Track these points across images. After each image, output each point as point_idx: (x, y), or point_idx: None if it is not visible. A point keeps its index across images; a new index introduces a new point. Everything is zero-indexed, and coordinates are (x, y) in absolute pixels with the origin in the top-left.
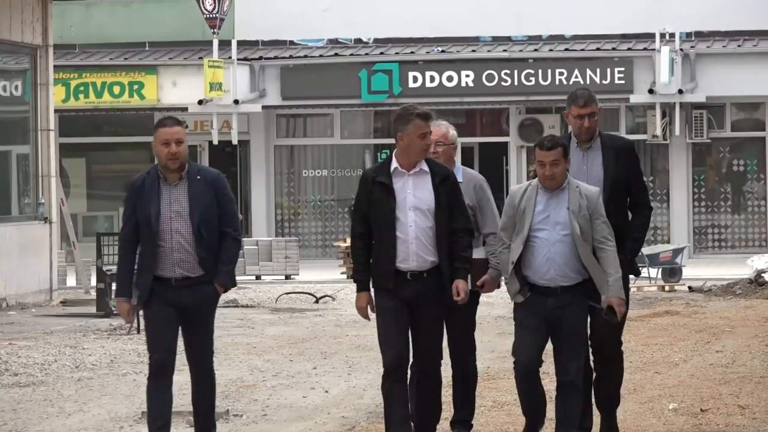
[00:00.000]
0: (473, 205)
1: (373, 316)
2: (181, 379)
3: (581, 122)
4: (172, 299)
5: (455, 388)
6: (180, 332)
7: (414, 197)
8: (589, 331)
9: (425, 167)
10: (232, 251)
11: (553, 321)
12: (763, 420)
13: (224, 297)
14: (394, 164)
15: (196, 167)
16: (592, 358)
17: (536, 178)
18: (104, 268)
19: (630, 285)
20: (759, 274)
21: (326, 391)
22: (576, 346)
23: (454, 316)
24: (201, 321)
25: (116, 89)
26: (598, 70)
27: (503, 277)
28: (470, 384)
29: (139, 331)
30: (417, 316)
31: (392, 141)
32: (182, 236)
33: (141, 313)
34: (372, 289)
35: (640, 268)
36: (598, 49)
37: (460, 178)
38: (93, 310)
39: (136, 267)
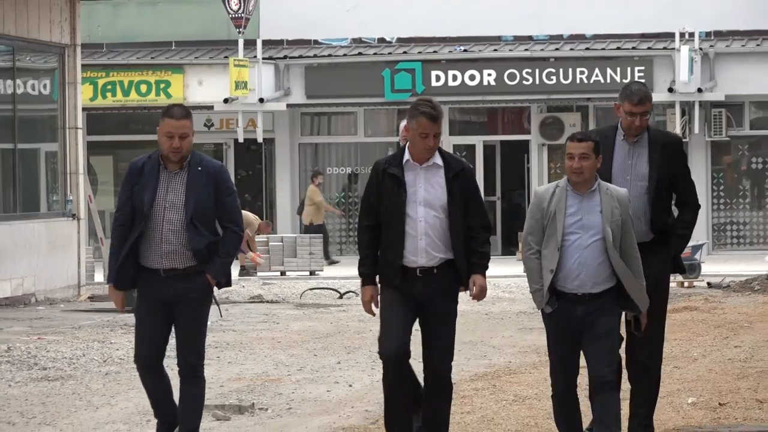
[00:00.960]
0: None
1: (377, 311)
2: (204, 372)
3: (633, 119)
4: (160, 292)
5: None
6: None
7: (425, 191)
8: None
9: (439, 161)
10: (232, 245)
11: (583, 328)
12: None
13: (249, 292)
14: (407, 156)
15: (199, 157)
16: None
17: (564, 178)
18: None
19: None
20: None
21: (350, 386)
22: (609, 347)
23: (432, 313)
24: (189, 315)
25: (143, 88)
26: (618, 69)
27: (530, 286)
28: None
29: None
30: (426, 315)
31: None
32: (173, 227)
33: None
34: (378, 285)
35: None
36: (618, 48)
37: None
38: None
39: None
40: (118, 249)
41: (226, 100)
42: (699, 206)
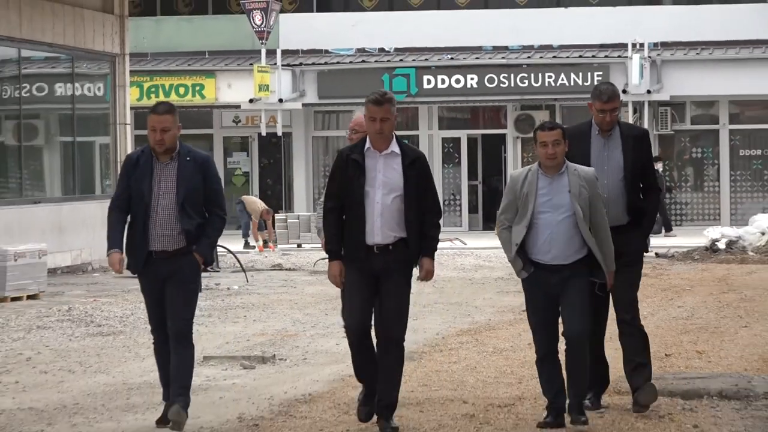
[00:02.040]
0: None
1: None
2: (231, 329)
3: (603, 116)
4: (157, 270)
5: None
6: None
7: (384, 176)
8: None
9: (396, 149)
10: (217, 227)
11: (557, 292)
12: (717, 363)
13: (270, 262)
14: (368, 145)
15: (186, 149)
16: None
17: (536, 163)
18: None
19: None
20: (713, 242)
21: None
22: (580, 308)
23: (387, 282)
24: (179, 288)
25: (181, 90)
26: (580, 73)
27: (507, 256)
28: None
29: (201, 290)
30: (382, 284)
31: (410, 132)
32: (167, 212)
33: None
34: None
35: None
36: (580, 56)
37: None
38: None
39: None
40: (116, 225)
41: (251, 100)
42: (661, 190)
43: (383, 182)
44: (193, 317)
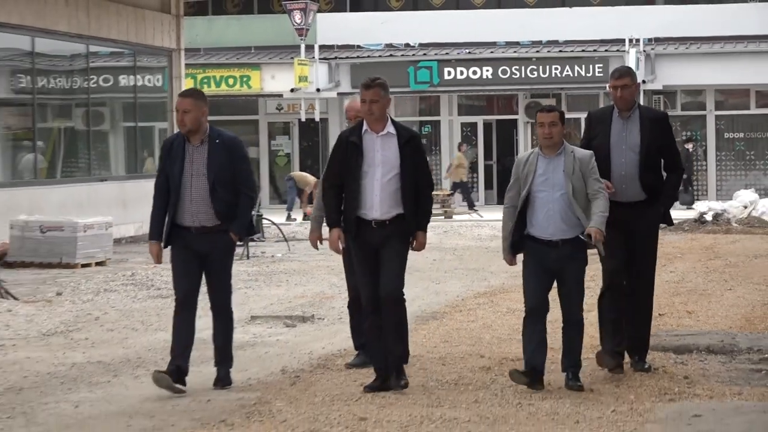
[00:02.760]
0: None
1: (337, 254)
2: (275, 292)
3: (615, 92)
4: (192, 245)
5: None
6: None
7: (381, 156)
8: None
9: (392, 130)
10: (246, 206)
11: (556, 271)
12: (705, 321)
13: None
14: (365, 127)
15: (216, 132)
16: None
17: (537, 147)
18: None
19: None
20: (701, 215)
21: None
22: (578, 292)
23: (385, 251)
24: (218, 264)
25: (230, 81)
26: (583, 66)
27: (502, 234)
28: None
29: (248, 257)
30: (382, 252)
31: (432, 118)
32: (200, 191)
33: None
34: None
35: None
36: (582, 50)
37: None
38: None
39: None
40: (157, 210)
41: (292, 90)
42: (683, 170)
43: (381, 161)
44: (231, 291)
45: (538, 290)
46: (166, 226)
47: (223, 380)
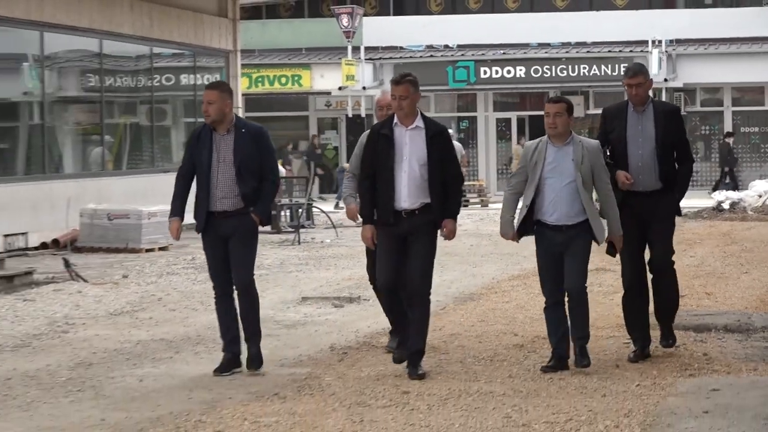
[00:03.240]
0: None
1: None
2: (324, 275)
3: (630, 90)
4: (218, 229)
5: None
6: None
7: (410, 148)
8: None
9: (421, 124)
10: (269, 192)
11: (562, 250)
12: (722, 302)
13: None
14: (396, 120)
15: (243, 122)
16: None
17: (546, 135)
18: (276, 201)
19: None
20: (719, 204)
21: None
22: (579, 263)
23: (414, 242)
24: (241, 244)
25: (282, 80)
26: (609, 65)
27: (501, 213)
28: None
29: (299, 243)
30: (410, 244)
31: (469, 114)
32: (226, 178)
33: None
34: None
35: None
36: (609, 51)
37: None
38: (269, 228)
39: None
40: (178, 193)
41: (340, 88)
42: (693, 160)
43: (410, 154)
44: (253, 270)
45: (553, 278)
46: (201, 215)
47: (254, 360)
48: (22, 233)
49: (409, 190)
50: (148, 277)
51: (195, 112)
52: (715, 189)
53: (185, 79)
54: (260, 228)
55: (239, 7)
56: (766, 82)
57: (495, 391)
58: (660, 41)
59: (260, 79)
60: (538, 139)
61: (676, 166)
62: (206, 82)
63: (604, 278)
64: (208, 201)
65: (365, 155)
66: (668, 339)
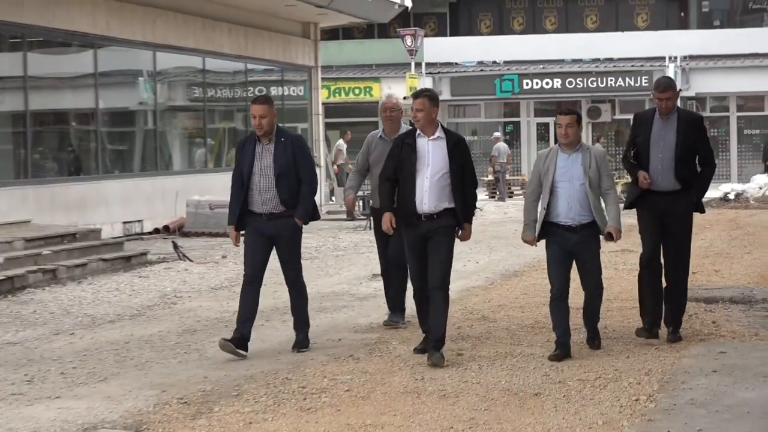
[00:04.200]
0: None
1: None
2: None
3: (661, 103)
4: (262, 229)
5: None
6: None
7: (431, 157)
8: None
9: (442, 135)
10: (307, 195)
11: (576, 252)
12: (728, 278)
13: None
14: (419, 132)
15: (282, 131)
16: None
17: (557, 144)
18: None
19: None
20: (725, 194)
21: (477, 262)
22: (596, 267)
23: (433, 242)
24: (286, 245)
25: (356, 91)
26: (632, 77)
27: (524, 218)
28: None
29: (371, 228)
30: (430, 245)
31: (514, 119)
32: (267, 183)
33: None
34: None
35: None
36: (632, 66)
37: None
38: (344, 216)
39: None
40: (235, 199)
41: (404, 98)
42: (715, 165)
43: (432, 162)
44: (300, 266)
45: (561, 275)
46: (242, 214)
47: (300, 343)
48: (138, 221)
49: (430, 195)
50: (242, 257)
51: (282, 118)
52: None
53: (274, 90)
54: (331, 216)
55: (320, 30)
56: (766, 92)
57: (535, 354)
58: (675, 57)
59: (337, 91)
60: (548, 148)
61: (699, 169)
62: (291, 93)
63: (628, 257)
64: (251, 202)
65: (388, 161)
66: (675, 337)
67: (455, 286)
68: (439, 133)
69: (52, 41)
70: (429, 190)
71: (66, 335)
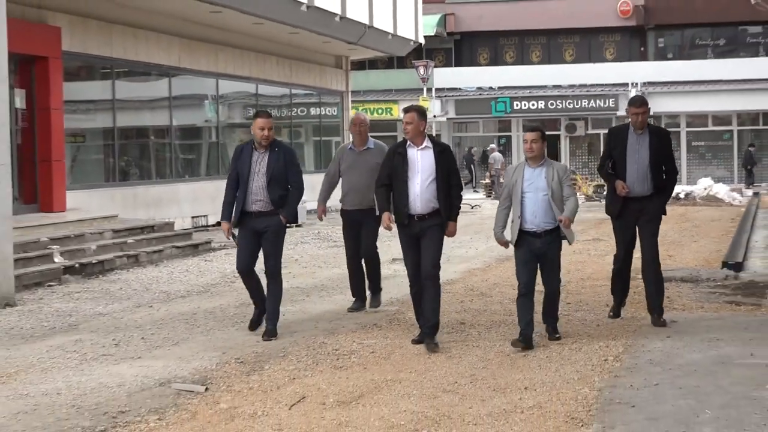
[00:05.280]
0: (380, 162)
1: (393, 228)
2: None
3: (635, 117)
4: (253, 226)
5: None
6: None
7: (421, 164)
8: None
9: (429, 144)
10: (293, 197)
11: (540, 255)
12: (679, 261)
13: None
14: (409, 142)
15: (276, 143)
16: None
17: (524, 159)
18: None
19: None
20: (676, 194)
21: (476, 249)
22: (556, 269)
23: (425, 238)
24: (271, 239)
25: (379, 110)
26: (602, 100)
27: (494, 225)
28: (436, 293)
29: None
30: (422, 239)
31: (506, 134)
32: (260, 186)
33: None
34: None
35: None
36: (602, 90)
37: (372, 146)
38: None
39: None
40: (227, 200)
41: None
42: (678, 172)
43: (422, 169)
44: (280, 261)
45: (527, 274)
46: (235, 212)
47: (269, 333)
48: (204, 215)
49: (421, 198)
50: (288, 245)
51: (320, 133)
52: (749, 184)
53: (313, 110)
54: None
55: (350, 61)
56: (709, 111)
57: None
58: (636, 83)
59: (364, 110)
60: (516, 163)
61: (664, 176)
62: (326, 113)
63: (598, 245)
64: (245, 202)
65: (383, 169)
66: (661, 321)
67: (459, 268)
68: (426, 143)
69: (135, 71)
70: (420, 194)
71: (145, 308)
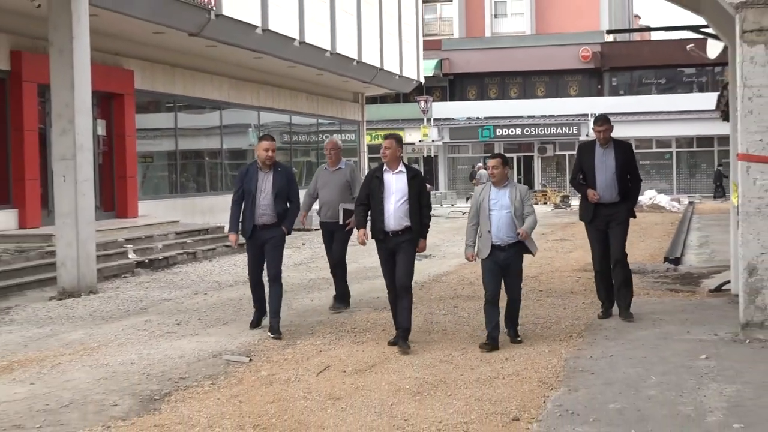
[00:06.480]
0: (349, 179)
1: (368, 242)
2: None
3: (598, 134)
4: (259, 237)
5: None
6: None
7: (395, 186)
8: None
9: (403, 169)
10: (293, 212)
11: (504, 266)
12: (631, 256)
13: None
14: (385, 167)
15: (278, 164)
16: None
17: (490, 180)
18: None
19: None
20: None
21: None
22: (517, 279)
23: (399, 253)
24: (273, 248)
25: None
26: (567, 127)
27: (465, 240)
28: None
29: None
30: (397, 254)
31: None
32: (266, 202)
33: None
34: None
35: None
36: (567, 120)
37: (343, 166)
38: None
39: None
40: (234, 214)
41: (420, 141)
42: (641, 180)
43: (396, 190)
44: (281, 267)
45: (494, 283)
46: (247, 227)
47: (274, 330)
48: None
49: (395, 217)
50: (315, 245)
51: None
52: (717, 196)
53: (335, 137)
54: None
55: (365, 97)
56: (653, 136)
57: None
58: (594, 114)
59: (376, 136)
60: (483, 185)
61: (630, 184)
62: (346, 138)
63: (565, 244)
64: (254, 217)
65: (362, 190)
66: (627, 316)
67: (452, 263)
68: (401, 168)
69: (193, 105)
70: (394, 213)
71: (201, 294)
